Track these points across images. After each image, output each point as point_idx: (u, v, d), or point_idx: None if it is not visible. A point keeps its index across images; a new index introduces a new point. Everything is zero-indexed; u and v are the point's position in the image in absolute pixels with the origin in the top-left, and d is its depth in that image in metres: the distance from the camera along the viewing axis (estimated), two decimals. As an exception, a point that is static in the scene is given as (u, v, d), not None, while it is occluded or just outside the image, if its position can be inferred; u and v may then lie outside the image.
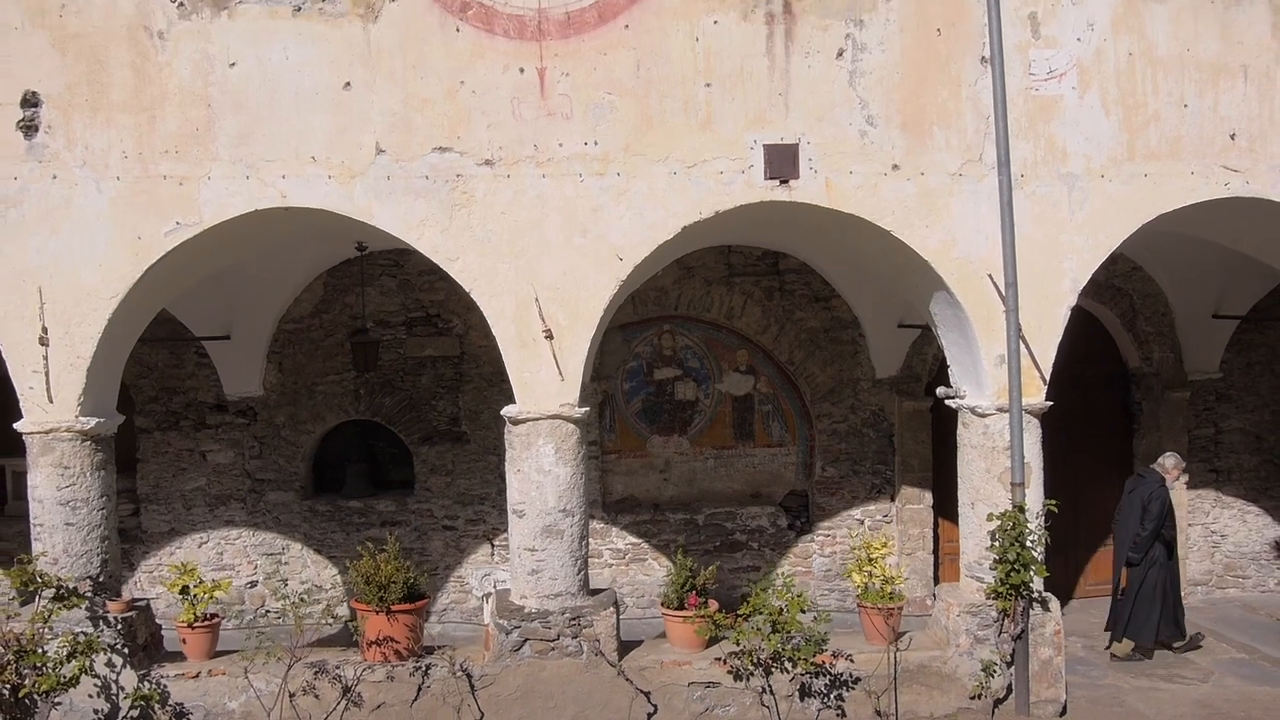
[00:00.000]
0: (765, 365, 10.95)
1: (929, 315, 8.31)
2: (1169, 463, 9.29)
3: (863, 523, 10.95)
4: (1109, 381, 11.21)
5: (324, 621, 7.69)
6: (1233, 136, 7.84)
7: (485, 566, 10.75)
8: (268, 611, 10.68)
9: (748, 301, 10.77)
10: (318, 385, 10.70)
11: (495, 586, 10.55)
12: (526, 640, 7.61)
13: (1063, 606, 10.75)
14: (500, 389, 9.67)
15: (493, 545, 10.76)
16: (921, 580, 10.80)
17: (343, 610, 10.59)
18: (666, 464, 10.99)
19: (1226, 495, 11.23)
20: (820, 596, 10.88)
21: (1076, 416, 10.85)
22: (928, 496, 10.75)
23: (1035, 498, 7.79)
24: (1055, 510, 7.65)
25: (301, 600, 7.71)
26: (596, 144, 7.53)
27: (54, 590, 7.13)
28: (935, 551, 10.90)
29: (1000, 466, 7.80)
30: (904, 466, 10.77)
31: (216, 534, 10.72)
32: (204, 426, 10.68)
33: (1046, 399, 7.88)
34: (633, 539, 10.88)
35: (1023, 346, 7.70)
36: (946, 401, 8.32)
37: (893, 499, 10.93)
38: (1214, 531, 11.20)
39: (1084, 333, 10.34)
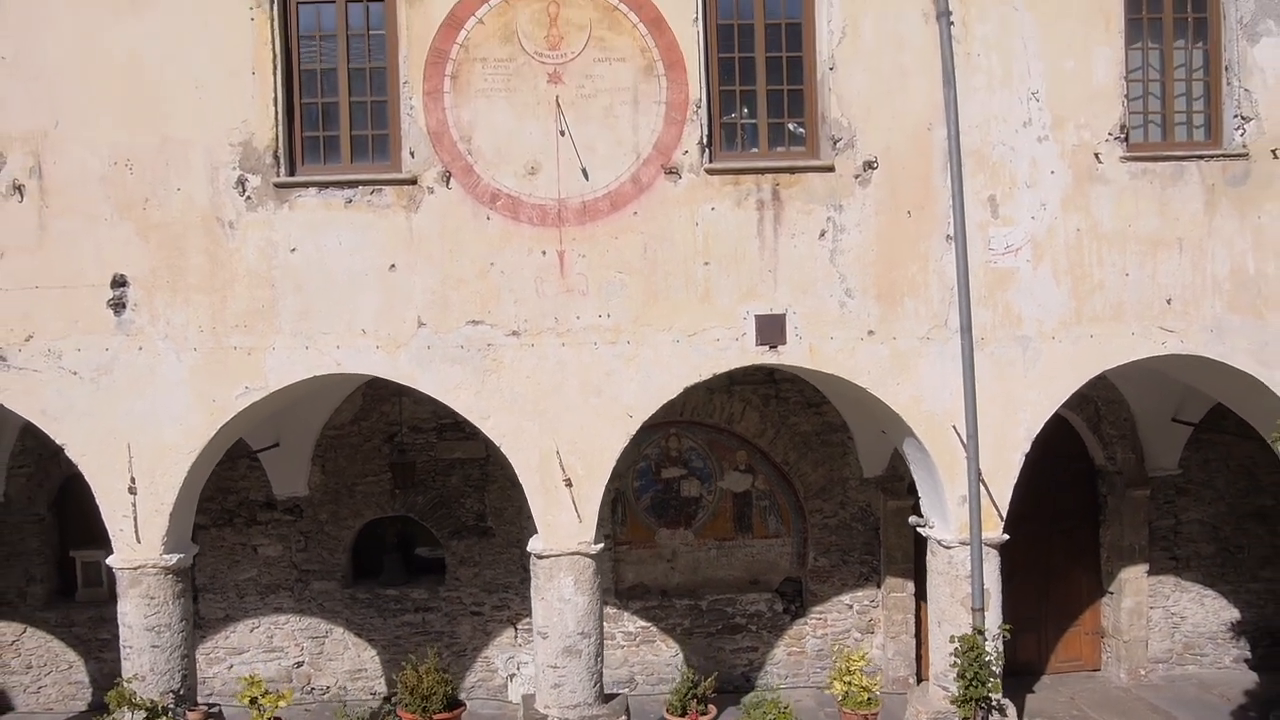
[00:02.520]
0: (762, 465, 12.15)
1: (902, 452, 9.51)
2: None
3: (851, 607, 12.15)
4: (1078, 478, 12.37)
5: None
6: (1169, 301, 9.01)
7: (509, 649, 11.99)
8: (313, 689, 11.96)
9: (746, 408, 11.96)
10: (357, 485, 11.95)
11: (518, 667, 11.82)
12: (550, 745, 8.88)
13: (1034, 684, 12.13)
14: (522, 489, 10.89)
15: (516, 629, 12.00)
16: (905, 661, 12.01)
17: (380, 686, 11.92)
18: (673, 554, 12.21)
19: (1185, 580, 12.39)
20: (813, 674, 12.10)
21: (1048, 509, 12.07)
22: (910, 585, 11.94)
23: (994, 619, 8.99)
24: (1009, 635, 8.83)
25: None
26: (609, 316, 8.75)
27: (146, 712, 8.40)
28: (918, 634, 12.10)
29: (962, 592, 9.01)
30: (889, 558, 11.96)
31: (267, 619, 11.99)
32: (255, 523, 11.95)
33: (1004, 530, 9.08)
34: (643, 622, 12.12)
35: (983, 488, 8.90)
36: (917, 529, 9.53)
37: (879, 586, 12.12)
38: (1174, 614, 12.37)
39: (1056, 434, 11.48)
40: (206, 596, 11.99)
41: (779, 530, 12.26)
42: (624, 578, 12.19)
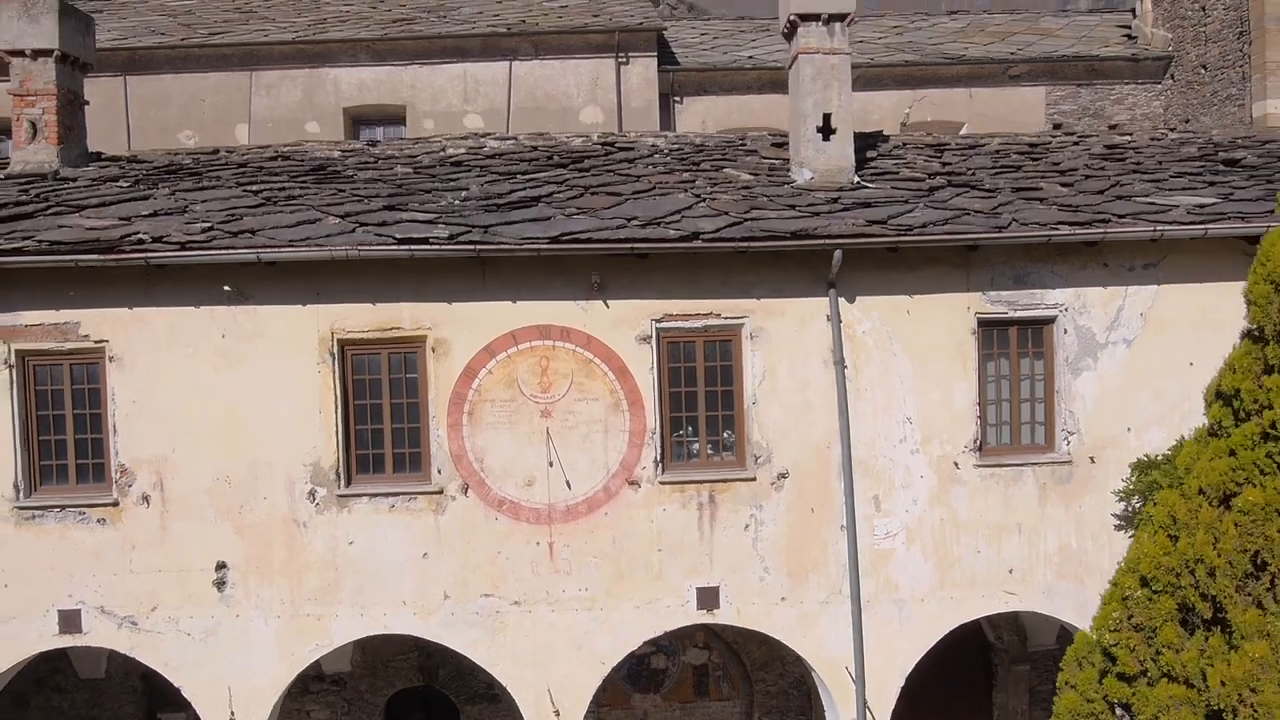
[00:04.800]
0: (716, 642, 15.52)
1: (811, 677, 12.86)
2: None
3: (789, 757, 15.56)
4: (977, 650, 15.74)
5: None
6: (1011, 571, 12.30)
7: (513, 794, 15.41)
8: (355, 824, 15.41)
9: (703, 599, 15.30)
10: (390, 662, 15.34)
11: (520, 808, 15.24)
12: None
13: (937, 821, 15.50)
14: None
15: (518, 776, 15.40)
16: (831, 802, 15.42)
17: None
18: (644, 714, 15.62)
19: (1061, 733, 15.72)
20: (758, 810, 15.54)
21: (955, 676, 15.43)
22: (836, 742, 15.32)
23: (879, 811, 12.35)
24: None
25: None
26: (587, 590, 12.06)
27: None
28: (842, 779, 15.48)
29: (855, 787, 12.38)
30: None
31: (318, 769, 15.43)
32: (308, 693, 15.34)
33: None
34: (620, 769, 15.55)
35: (868, 714, 12.22)
36: (823, 736, 12.89)
37: (811, 740, 15.54)
38: (1052, 759, 15.72)
39: (955, 616, 14.86)
40: (270, 751, 15.39)
41: (730, 694, 15.65)
42: (605, 733, 15.60)
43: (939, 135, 15.11)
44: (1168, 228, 11.69)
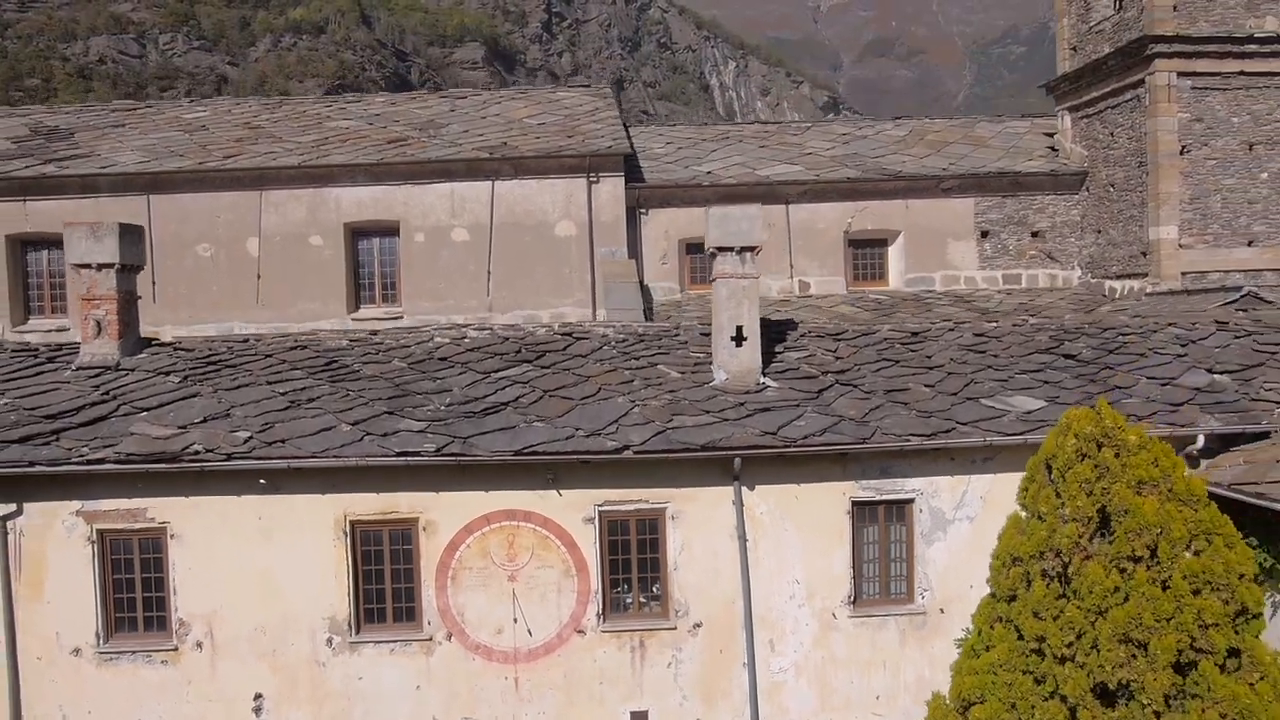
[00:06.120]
0: (659, 731, 19.34)
1: (725, 775, 16.69)
2: None
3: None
4: (871, 735, 19.56)
5: None
6: (878, 697, 16.08)
7: None
8: None
9: (647, 696, 19.10)
10: (389, 747, 19.15)
11: None
12: None
13: None
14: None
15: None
16: None
17: None
18: (599, 789, 19.42)
19: (943, 803, 19.62)
20: None
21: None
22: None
23: None
24: None
25: None
26: (544, 714, 15.81)
27: None
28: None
29: None
30: (741, 795, 19.19)
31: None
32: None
33: (781, 828, 16.26)
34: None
35: (765, 808, 16.07)
36: (733, 822, 16.74)
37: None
38: (935, 825, 19.61)
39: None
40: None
41: (670, 773, 19.45)
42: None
43: (840, 323, 18.76)
44: (995, 438, 15.40)
